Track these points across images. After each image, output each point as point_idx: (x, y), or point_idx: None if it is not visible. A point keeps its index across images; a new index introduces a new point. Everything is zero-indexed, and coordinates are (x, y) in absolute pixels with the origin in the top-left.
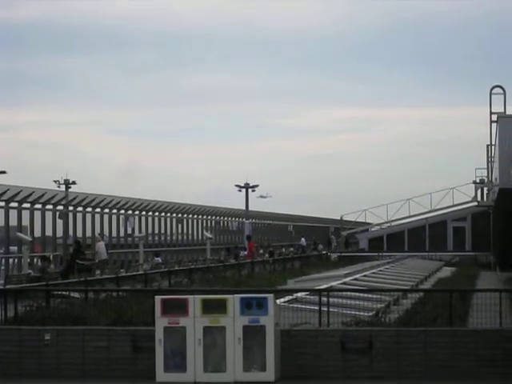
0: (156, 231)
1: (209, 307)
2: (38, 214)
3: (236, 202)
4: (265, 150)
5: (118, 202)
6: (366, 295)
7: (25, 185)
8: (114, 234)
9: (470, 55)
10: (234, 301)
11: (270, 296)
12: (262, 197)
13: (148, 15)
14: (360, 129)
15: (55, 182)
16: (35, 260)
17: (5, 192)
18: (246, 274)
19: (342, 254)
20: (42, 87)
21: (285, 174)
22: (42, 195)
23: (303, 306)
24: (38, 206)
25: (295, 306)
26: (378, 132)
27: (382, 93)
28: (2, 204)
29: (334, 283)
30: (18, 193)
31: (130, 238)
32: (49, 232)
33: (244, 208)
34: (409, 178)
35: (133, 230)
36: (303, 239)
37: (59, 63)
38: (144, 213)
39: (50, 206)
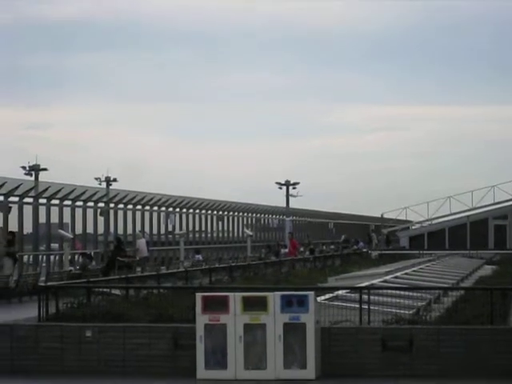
0: (196, 228)
1: (249, 304)
2: (79, 212)
3: (275, 199)
4: (304, 147)
5: (159, 200)
6: (406, 293)
7: (66, 182)
8: (155, 231)
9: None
10: (274, 298)
11: (311, 293)
12: (292, 196)
13: (178, 12)
14: (399, 126)
15: (96, 179)
16: (76, 257)
17: (46, 189)
18: (286, 272)
19: (383, 252)
20: (81, 85)
21: (325, 172)
22: (84, 192)
23: (344, 304)
24: (80, 203)
25: (336, 303)
26: (419, 129)
27: (421, 90)
28: (44, 201)
29: (374, 281)
30: (60, 190)
31: (170, 236)
32: (90, 229)
33: (284, 205)
34: (450, 175)
35: (173, 227)
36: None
37: (98, 61)
38: (185, 210)
39: (91, 204)
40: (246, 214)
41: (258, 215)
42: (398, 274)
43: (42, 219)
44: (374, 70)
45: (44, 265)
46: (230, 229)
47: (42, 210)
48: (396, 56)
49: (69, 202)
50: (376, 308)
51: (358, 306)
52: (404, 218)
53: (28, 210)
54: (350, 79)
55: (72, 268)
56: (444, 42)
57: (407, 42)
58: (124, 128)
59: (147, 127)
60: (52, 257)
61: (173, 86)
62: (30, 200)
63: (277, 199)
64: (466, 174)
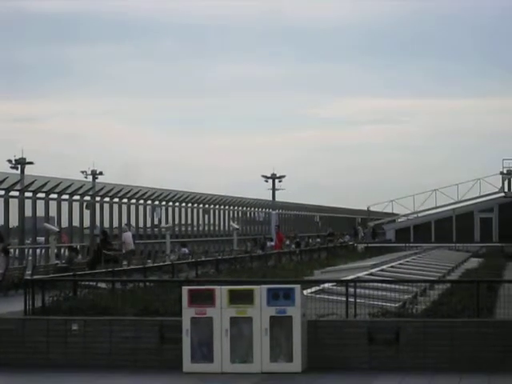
0: (183, 222)
1: (236, 298)
2: (65, 205)
3: (262, 193)
4: (291, 140)
5: (145, 193)
6: (392, 286)
7: (52, 175)
8: (141, 224)
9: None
10: (260, 291)
11: (297, 287)
12: (275, 189)
13: (173, 5)
14: (386, 119)
15: (82, 172)
16: (62, 250)
17: (32, 183)
18: (272, 265)
19: (369, 245)
20: (66, 78)
21: (311, 165)
22: (69, 186)
23: (330, 297)
24: (65, 196)
25: (322, 296)
26: (404, 122)
27: (408, 83)
28: (30, 195)
29: (360, 274)
30: (46, 183)
31: (156, 229)
32: (76, 222)
33: (271, 199)
34: (435, 168)
35: (159, 220)
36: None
37: (84, 53)
38: (171, 203)
39: (77, 197)
40: (232, 208)
41: (244, 208)
42: (384, 266)
43: (28, 213)
44: (367, 63)
45: (30, 258)
46: (217, 222)
47: (28, 204)
48: (389, 48)
49: (55, 196)
50: (362, 301)
51: (344, 299)
52: (390, 211)
53: (14, 204)
54: (340, 71)
55: (58, 261)
56: (439, 35)
57: (403, 34)
58: (110, 121)
59: (133, 121)
60: (38, 250)
61: (160, 78)
62: (16, 193)
63: (264, 192)
64: (454, 168)
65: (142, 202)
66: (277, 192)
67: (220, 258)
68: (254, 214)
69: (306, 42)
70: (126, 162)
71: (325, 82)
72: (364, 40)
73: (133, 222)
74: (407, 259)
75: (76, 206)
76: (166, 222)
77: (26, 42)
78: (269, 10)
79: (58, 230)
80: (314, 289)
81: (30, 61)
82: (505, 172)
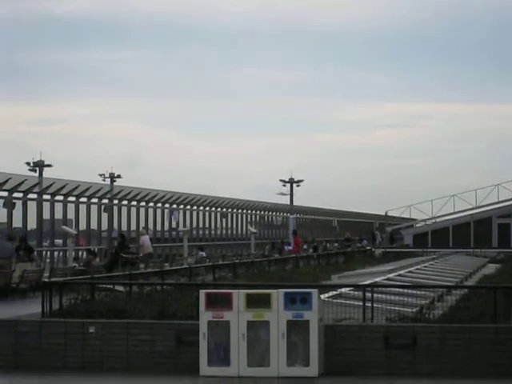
0: (200, 225)
1: (253, 302)
2: (83, 208)
3: (281, 197)
4: (310, 144)
5: (163, 196)
6: (410, 291)
7: (70, 178)
8: (159, 227)
9: None
10: (278, 295)
11: (314, 291)
12: (282, 194)
13: (196, 10)
14: (405, 123)
15: (100, 175)
16: (80, 253)
17: (50, 185)
18: (290, 269)
19: (387, 250)
20: (86, 80)
21: (330, 169)
22: (88, 189)
23: (347, 302)
24: (84, 199)
25: (339, 301)
26: (424, 127)
27: (426, 88)
28: (48, 197)
29: (378, 279)
30: (64, 186)
31: (174, 232)
32: (94, 225)
33: (288, 203)
34: (454, 173)
35: (177, 223)
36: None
37: (105, 56)
38: (189, 207)
39: (95, 200)
40: (249, 212)
41: (262, 212)
42: (402, 272)
43: (46, 215)
44: (382, 67)
45: (48, 261)
46: (234, 226)
47: (46, 206)
48: (404, 53)
49: (73, 199)
50: (379, 306)
51: (361, 303)
52: (408, 216)
53: (32, 206)
54: (357, 76)
55: (76, 264)
56: (454, 40)
57: (417, 39)
58: (130, 124)
59: (153, 124)
60: (56, 253)
61: (179, 81)
62: (34, 196)
63: (277, 196)
64: (471, 172)
65: (159, 205)
66: (304, 196)
67: (237, 261)
68: (272, 218)
69: (322, 46)
70: (138, 164)
71: (342, 86)
72: (379, 44)
73: (150, 226)
74: (425, 264)
75: (94, 208)
76: (184, 225)
77: (46, 45)
78: (284, 15)
79: (75, 232)
80: (331, 293)
81: (49, 63)
82: None
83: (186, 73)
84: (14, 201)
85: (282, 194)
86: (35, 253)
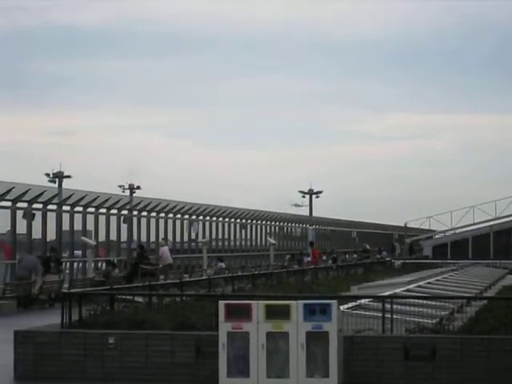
0: (220, 236)
1: (272, 313)
2: (102, 219)
3: (298, 208)
4: (328, 155)
5: (183, 207)
6: (429, 302)
7: (90, 189)
8: (178, 238)
9: None
10: (297, 307)
11: (334, 302)
12: (296, 205)
13: (210, 19)
14: (424, 135)
15: (120, 186)
16: (99, 264)
17: (70, 196)
18: (309, 280)
19: (406, 261)
20: (105, 91)
21: (348, 180)
22: (107, 200)
23: (366, 313)
24: (103, 210)
25: (358, 312)
26: (443, 138)
27: (445, 98)
28: (67, 208)
29: (397, 290)
30: (83, 197)
31: (193, 243)
32: (113, 236)
33: (308, 214)
34: (474, 185)
35: (197, 235)
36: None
37: (121, 67)
38: (208, 218)
39: (114, 211)
40: (269, 223)
41: (281, 224)
42: (421, 283)
43: (66, 226)
44: (397, 78)
45: (67, 272)
46: (253, 237)
47: (66, 217)
48: (418, 64)
49: (92, 210)
50: (399, 317)
51: (380, 314)
52: (427, 228)
53: (51, 217)
54: (376, 87)
55: (95, 275)
56: (468, 51)
57: (430, 51)
58: (151, 136)
59: (174, 134)
60: (75, 264)
61: (193, 90)
62: (54, 207)
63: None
64: (490, 182)
65: (179, 216)
66: (323, 207)
67: (257, 272)
68: (291, 229)
69: (340, 57)
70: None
71: (360, 97)
72: (395, 55)
73: (170, 237)
74: (444, 276)
75: (113, 219)
76: (203, 236)
77: (63, 56)
78: (299, 25)
79: (95, 243)
80: (350, 304)
81: (67, 74)
82: None
83: (199, 81)
84: (33, 212)
85: (297, 205)
86: (64, 264)
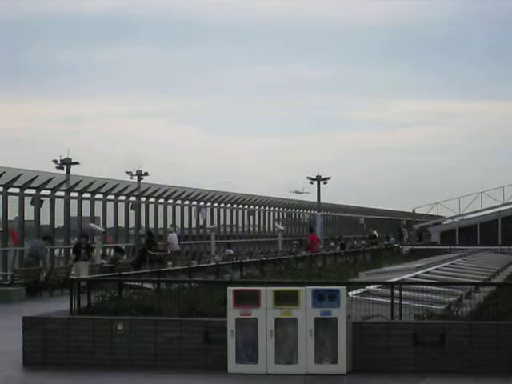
0: (228, 223)
1: (281, 299)
2: (110, 205)
3: (309, 194)
4: (337, 142)
5: (190, 194)
6: (438, 288)
7: (98, 176)
8: (186, 225)
9: None
10: (306, 293)
11: (342, 288)
12: (297, 192)
13: (221, 8)
14: (429, 121)
15: (128, 173)
16: (108, 251)
17: (78, 183)
18: (317, 267)
19: (414, 247)
20: (112, 78)
21: (356, 166)
22: (115, 186)
23: (375, 299)
24: (111, 196)
25: (367, 298)
26: (451, 125)
27: (454, 86)
28: (76, 195)
29: (405, 276)
30: (91, 184)
31: (201, 230)
32: (121, 223)
33: (309, 200)
34: (481, 171)
35: (205, 221)
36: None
37: (129, 54)
38: (216, 204)
39: (122, 197)
40: (277, 209)
41: (290, 210)
42: (430, 269)
43: (74, 213)
44: (408, 65)
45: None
46: (262, 223)
47: (74, 204)
48: (426, 51)
49: (100, 196)
50: (407, 303)
51: (389, 300)
52: (435, 214)
53: (60, 204)
54: (382, 75)
55: (104, 261)
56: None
57: (453, 36)
58: (158, 122)
59: (181, 122)
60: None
61: (200, 78)
62: (62, 194)
63: (308, 194)
64: (499, 169)
65: (187, 202)
66: (331, 193)
67: (265, 259)
68: (299, 215)
69: (349, 44)
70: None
71: (366, 84)
72: (403, 42)
73: (178, 223)
74: (452, 262)
75: (121, 206)
76: (211, 222)
77: (72, 43)
78: (317, 13)
79: (103, 230)
80: (359, 290)
81: (75, 61)
82: None
83: (206, 69)
84: (41, 198)
85: (298, 192)
86: (95, 251)
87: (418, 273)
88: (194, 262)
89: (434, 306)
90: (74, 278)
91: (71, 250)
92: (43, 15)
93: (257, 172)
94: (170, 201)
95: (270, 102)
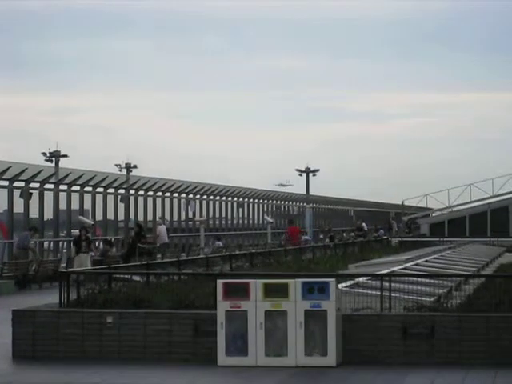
0: (217, 215)
1: (270, 291)
2: (99, 198)
3: (297, 187)
4: (326, 133)
5: (179, 186)
6: (427, 280)
7: (86, 169)
8: (175, 217)
9: None
10: (295, 285)
11: (332, 281)
12: (282, 185)
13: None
14: (419, 113)
15: (117, 165)
16: (97, 243)
17: (67, 176)
18: (306, 259)
19: (403, 239)
20: (103, 71)
21: (345, 158)
22: (104, 179)
23: (364, 291)
24: (100, 189)
25: (356, 290)
26: (440, 117)
27: (442, 78)
28: (65, 187)
29: (395, 268)
30: (80, 176)
31: (190, 222)
32: (110, 215)
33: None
34: (471, 162)
35: (194, 213)
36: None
37: (120, 46)
38: (205, 197)
39: (111, 190)
40: (266, 201)
41: (279, 202)
42: (419, 261)
43: (63, 205)
44: (401, 57)
45: (65, 251)
46: (251, 216)
47: (63, 197)
48: (417, 43)
49: (89, 189)
50: (397, 295)
51: (378, 293)
52: (424, 206)
53: (48, 197)
54: (371, 66)
55: (93, 254)
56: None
57: (448, 28)
58: (146, 114)
59: (170, 114)
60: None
61: (192, 71)
62: (51, 186)
63: (297, 186)
64: (488, 161)
65: (176, 195)
66: (320, 185)
67: (254, 251)
68: (288, 207)
69: (337, 36)
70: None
71: (356, 77)
72: (398, 34)
73: (167, 216)
74: (442, 253)
75: (110, 199)
76: (201, 215)
77: (64, 35)
78: (306, 4)
79: (92, 222)
80: (348, 283)
81: (66, 54)
82: None
83: (199, 62)
84: (30, 191)
85: (283, 185)
86: (95, 243)
87: (408, 265)
88: (183, 254)
89: (423, 298)
90: (77, 270)
91: (71, 243)
92: (34, 6)
93: (246, 164)
94: (159, 193)
95: (259, 94)
